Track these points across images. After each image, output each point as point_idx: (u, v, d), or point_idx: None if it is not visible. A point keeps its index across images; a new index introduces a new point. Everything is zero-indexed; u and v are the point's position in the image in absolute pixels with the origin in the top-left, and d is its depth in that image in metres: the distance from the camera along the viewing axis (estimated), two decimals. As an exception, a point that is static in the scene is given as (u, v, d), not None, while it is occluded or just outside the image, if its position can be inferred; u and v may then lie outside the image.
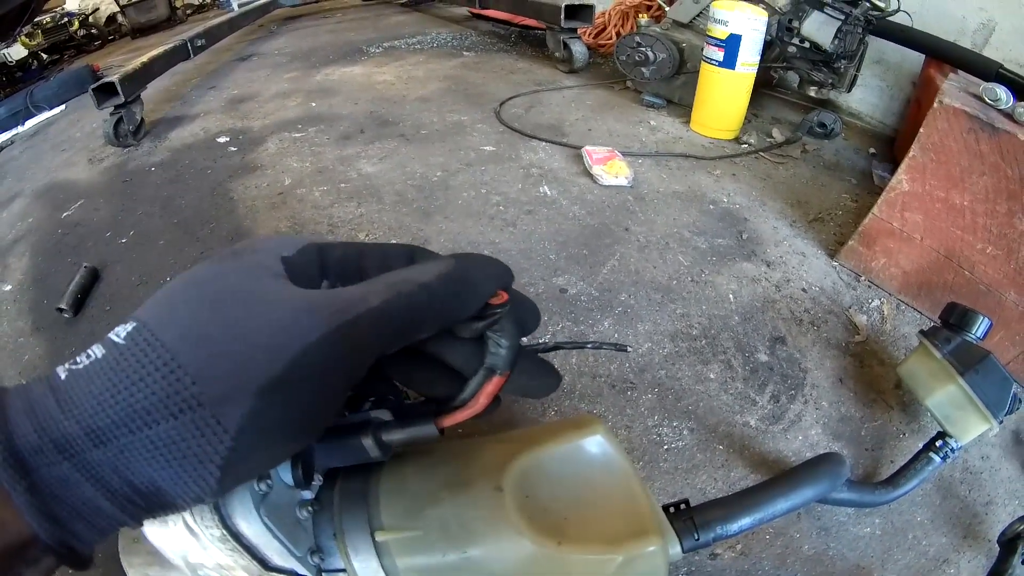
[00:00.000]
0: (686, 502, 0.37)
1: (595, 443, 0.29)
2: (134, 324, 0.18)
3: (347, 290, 0.20)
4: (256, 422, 0.17)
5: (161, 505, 0.18)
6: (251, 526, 0.24)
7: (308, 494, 0.27)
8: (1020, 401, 0.79)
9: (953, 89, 1.12)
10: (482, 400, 0.26)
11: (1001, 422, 0.76)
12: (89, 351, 0.18)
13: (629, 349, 0.26)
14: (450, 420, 0.26)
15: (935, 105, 1.05)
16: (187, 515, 0.23)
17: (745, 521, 0.40)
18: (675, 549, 0.33)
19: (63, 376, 0.18)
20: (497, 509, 0.26)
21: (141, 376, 0.17)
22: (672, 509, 0.36)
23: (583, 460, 0.29)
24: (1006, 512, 0.90)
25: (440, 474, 0.28)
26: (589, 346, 0.32)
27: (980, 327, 0.81)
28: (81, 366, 0.18)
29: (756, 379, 1.01)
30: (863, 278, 1.24)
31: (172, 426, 0.17)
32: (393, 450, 0.27)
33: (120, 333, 0.18)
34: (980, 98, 1.08)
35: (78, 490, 0.17)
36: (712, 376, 1.01)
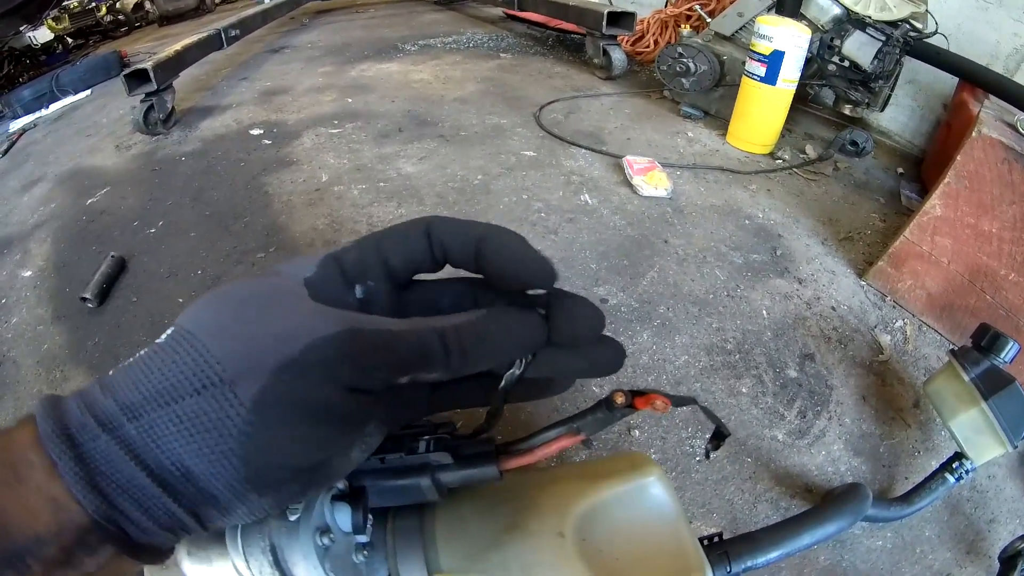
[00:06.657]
0: (720, 535, 0.39)
1: (651, 484, 0.30)
2: (172, 328, 0.21)
3: (367, 315, 0.22)
4: (269, 397, 0.18)
5: (199, 492, 0.19)
6: None
7: (363, 537, 0.26)
8: (1035, 425, 0.81)
9: (990, 118, 1.13)
10: (552, 451, 0.26)
11: (1015, 446, 0.78)
12: (136, 354, 0.21)
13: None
14: (514, 463, 0.26)
15: (973, 134, 1.07)
16: (240, 562, 0.23)
17: (773, 554, 0.43)
18: None
19: (111, 372, 0.20)
20: (560, 554, 0.27)
21: (173, 360, 0.19)
22: (706, 542, 0.38)
23: (638, 501, 0.30)
24: (1007, 530, 0.92)
25: (500, 516, 0.29)
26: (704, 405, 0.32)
27: (1009, 352, 0.82)
28: (126, 363, 0.20)
29: (785, 394, 1.03)
30: (888, 298, 1.25)
31: (196, 401, 0.18)
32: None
33: (162, 336, 0.21)
34: (1015, 127, 1.09)
35: (120, 465, 0.18)
36: (744, 390, 1.03)
